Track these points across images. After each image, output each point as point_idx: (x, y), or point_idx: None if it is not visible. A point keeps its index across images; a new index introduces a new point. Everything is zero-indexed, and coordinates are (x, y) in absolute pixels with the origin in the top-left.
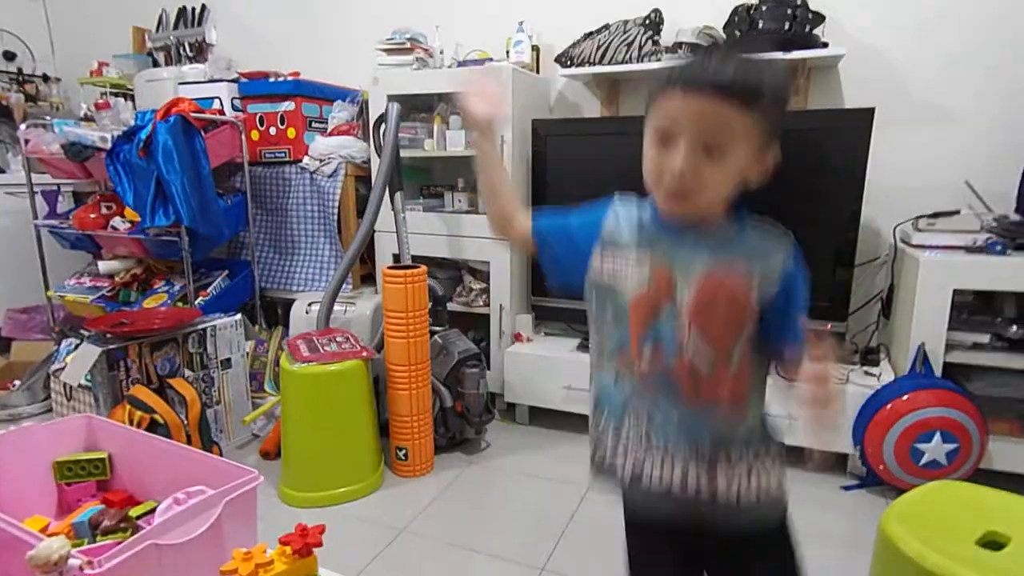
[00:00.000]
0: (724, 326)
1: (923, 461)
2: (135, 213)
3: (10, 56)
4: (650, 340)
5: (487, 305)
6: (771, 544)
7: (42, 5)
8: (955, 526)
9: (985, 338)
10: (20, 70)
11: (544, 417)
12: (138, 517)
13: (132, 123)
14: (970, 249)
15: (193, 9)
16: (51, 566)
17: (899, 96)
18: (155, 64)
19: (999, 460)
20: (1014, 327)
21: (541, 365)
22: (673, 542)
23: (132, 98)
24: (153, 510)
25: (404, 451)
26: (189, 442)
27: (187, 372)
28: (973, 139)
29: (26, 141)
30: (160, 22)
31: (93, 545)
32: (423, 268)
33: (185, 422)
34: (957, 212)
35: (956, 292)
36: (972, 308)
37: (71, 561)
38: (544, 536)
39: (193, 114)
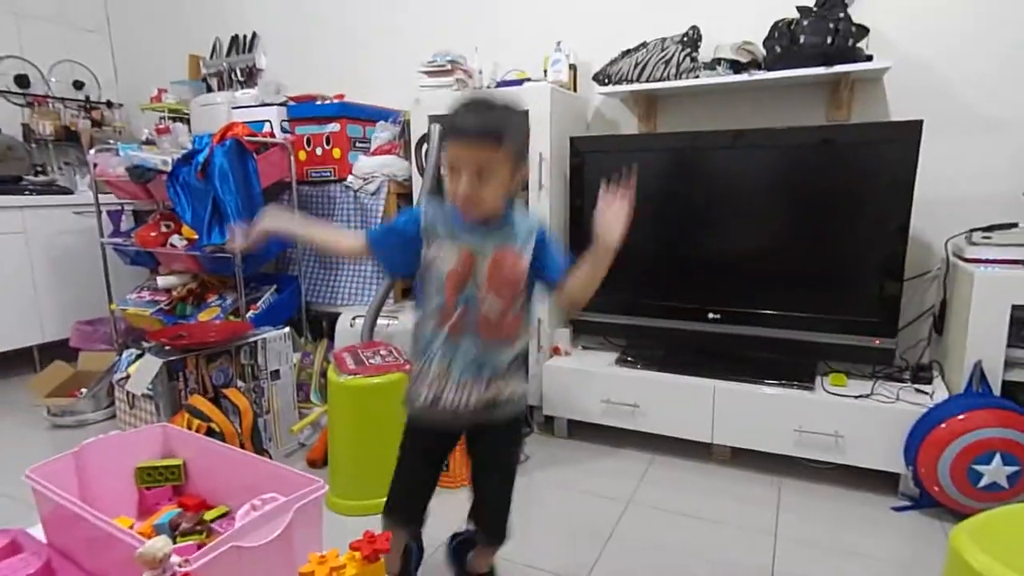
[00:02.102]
0: (507, 287)
1: (982, 483)
2: (192, 231)
3: (79, 85)
4: (462, 301)
5: None
6: (513, 427)
7: (107, 36)
8: None
9: None
10: (87, 98)
11: (583, 430)
12: (211, 521)
13: (190, 146)
14: None
15: (244, 36)
16: (156, 563)
17: (948, 106)
18: (209, 89)
19: None
20: None
21: (579, 379)
22: (438, 437)
23: (188, 122)
24: (225, 514)
25: (445, 463)
26: (243, 449)
27: (239, 383)
28: None
29: (94, 164)
30: (214, 49)
31: (176, 546)
32: None
33: (239, 431)
34: (1015, 225)
35: (1015, 308)
36: None
37: (171, 559)
38: (584, 551)
39: (246, 137)
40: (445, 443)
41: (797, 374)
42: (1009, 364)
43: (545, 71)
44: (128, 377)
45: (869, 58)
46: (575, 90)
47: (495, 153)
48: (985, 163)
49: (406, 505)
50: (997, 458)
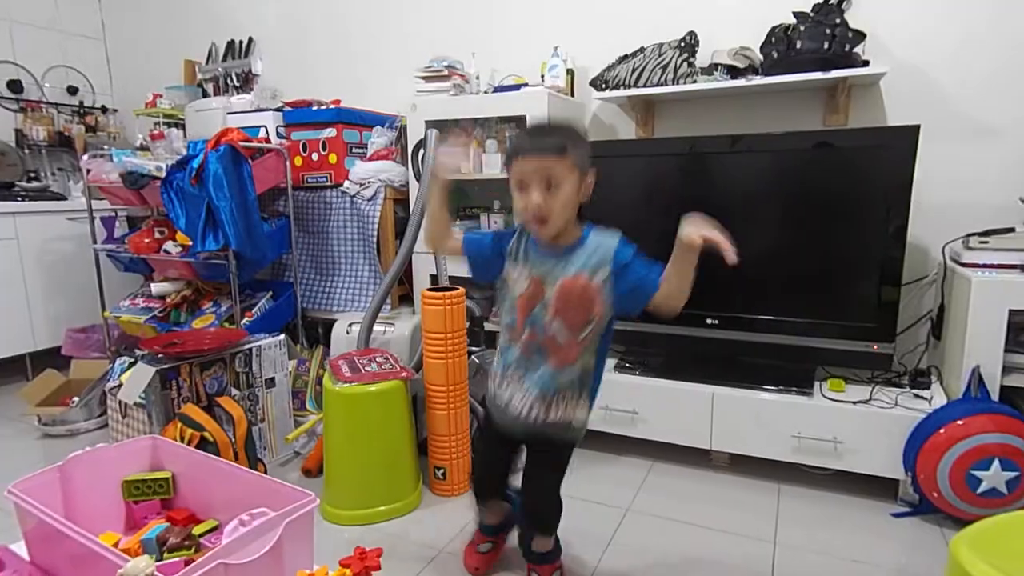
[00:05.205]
0: (576, 314)
1: (981, 489)
2: (186, 237)
3: (73, 90)
4: (529, 323)
5: None
6: (565, 448)
7: (103, 42)
8: None
9: None
10: (82, 103)
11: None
12: (201, 535)
13: (184, 152)
14: None
15: (241, 42)
16: None
17: (945, 111)
18: (204, 95)
19: None
20: None
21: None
22: (508, 439)
23: (183, 127)
24: (214, 529)
25: (442, 471)
26: (236, 459)
27: (234, 391)
28: None
29: (88, 170)
30: (210, 55)
31: (163, 562)
32: (461, 290)
33: (232, 440)
34: (1012, 230)
35: (1012, 312)
36: None
37: None
38: (583, 558)
39: (241, 143)
40: (514, 443)
41: (795, 380)
42: (1007, 369)
43: (543, 76)
44: (120, 386)
45: (866, 63)
46: (573, 95)
47: (560, 162)
48: (981, 168)
49: (488, 479)
50: (996, 464)
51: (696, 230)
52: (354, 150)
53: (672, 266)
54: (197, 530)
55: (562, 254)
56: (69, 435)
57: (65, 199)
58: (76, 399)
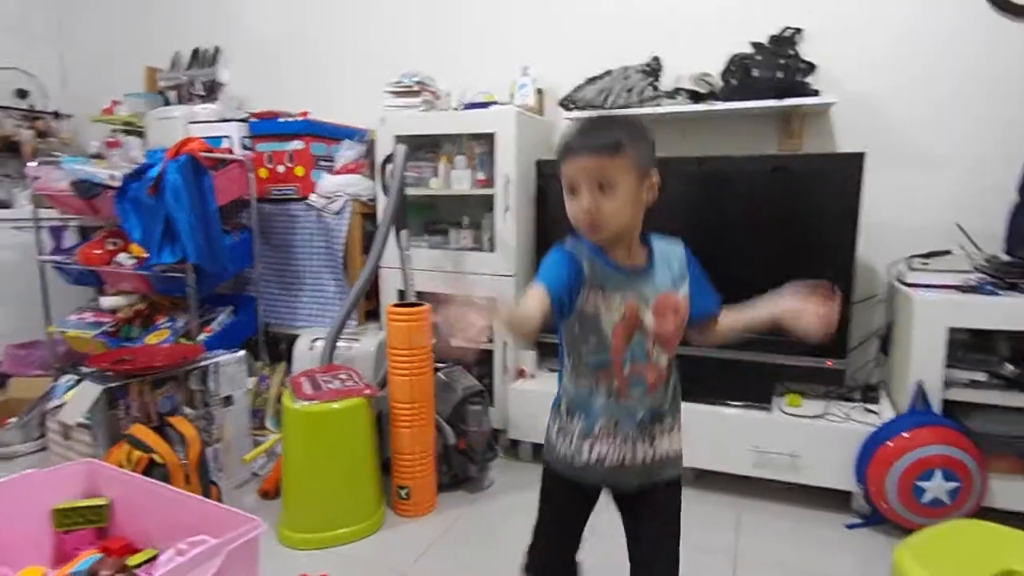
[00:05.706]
0: (675, 331)
1: (925, 499)
2: (141, 249)
3: (23, 94)
4: (629, 357)
5: (491, 341)
6: (672, 489)
7: (58, 45)
8: (970, 562)
9: (982, 376)
10: (32, 107)
11: None
12: (136, 566)
13: (142, 161)
14: (963, 288)
15: (207, 50)
16: None
17: (890, 139)
18: (166, 103)
19: (1001, 498)
20: (1009, 366)
21: (544, 402)
22: (588, 494)
23: (142, 136)
24: (152, 558)
25: (406, 490)
26: (188, 482)
27: (188, 410)
28: (962, 180)
29: (35, 178)
30: (174, 62)
31: None
32: (427, 307)
33: (184, 462)
34: (948, 252)
35: (951, 330)
36: (968, 346)
37: None
38: None
39: (203, 153)
40: (593, 500)
41: (755, 395)
42: (948, 383)
43: (512, 95)
44: (63, 405)
45: (816, 93)
46: (542, 114)
47: (614, 161)
48: (924, 194)
49: (552, 565)
50: (938, 474)
51: (809, 327)
52: (321, 163)
53: (747, 317)
54: (132, 561)
55: (643, 270)
56: (3, 458)
57: (10, 207)
58: (13, 420)
